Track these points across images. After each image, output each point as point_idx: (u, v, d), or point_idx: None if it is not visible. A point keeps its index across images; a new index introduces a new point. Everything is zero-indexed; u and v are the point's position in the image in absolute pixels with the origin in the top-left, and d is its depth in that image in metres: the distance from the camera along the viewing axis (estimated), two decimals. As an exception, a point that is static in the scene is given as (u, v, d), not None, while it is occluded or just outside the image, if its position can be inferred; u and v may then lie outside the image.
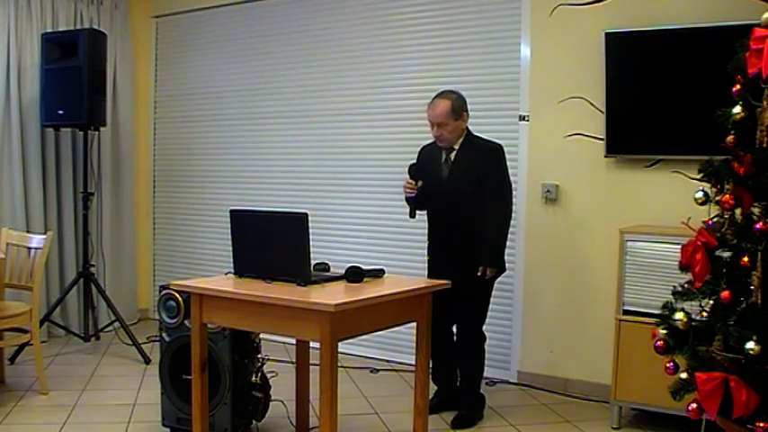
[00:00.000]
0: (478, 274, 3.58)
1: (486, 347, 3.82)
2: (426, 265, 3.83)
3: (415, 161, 3.80)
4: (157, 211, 6.14)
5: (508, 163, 3.75)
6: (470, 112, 3.73)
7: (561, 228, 4.26)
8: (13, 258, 4.26)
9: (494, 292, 4.22)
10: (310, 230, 2.86)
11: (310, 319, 2.62)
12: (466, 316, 3.72)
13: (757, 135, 2.37)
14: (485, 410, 3.83)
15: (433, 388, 3.84)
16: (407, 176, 3.68)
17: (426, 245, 3.86)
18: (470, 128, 3.71)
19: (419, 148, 3.88)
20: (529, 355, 4.40)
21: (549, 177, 4.28)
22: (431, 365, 3.77)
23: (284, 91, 5.34)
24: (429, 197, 3.68)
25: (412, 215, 3.74)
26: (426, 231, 3.86)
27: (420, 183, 3.63)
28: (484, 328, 3.78)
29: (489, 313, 4.26)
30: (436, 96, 3.66)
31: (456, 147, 3.65)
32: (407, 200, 3.73)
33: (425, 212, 3.83)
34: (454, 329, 3.86)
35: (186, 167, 5.91)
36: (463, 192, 3.59)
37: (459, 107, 3.60)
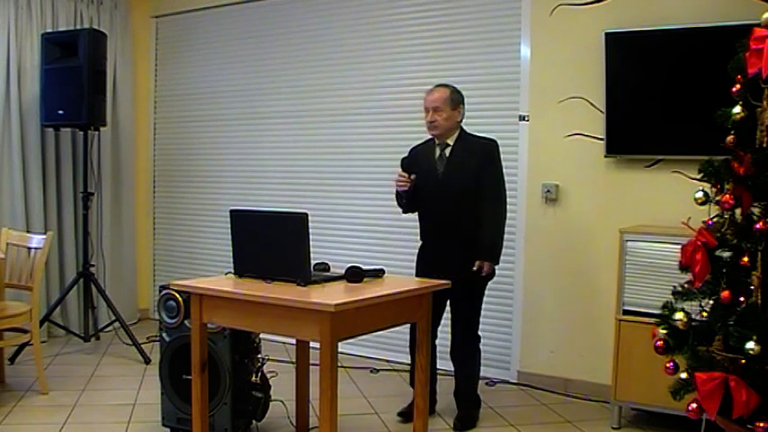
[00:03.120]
0: (474, 269, 3.52)
1: (481, 347, 3.77)
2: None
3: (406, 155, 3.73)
4: (157, 211, 6.14)
5: (507, 163, 3.74)
6: (470, 112, 3.73)
7: (561, 228, 4.26)
8: (13, 258, 4.26)
9: (494, 293, 4.23)
10: (310, 230, 2.85)
11: (310, 319, 2.61)
12: (464, 317, 3.66)
13: (757, 135, 2.38)
14: (481, 411, 3.81)
15: (410, 394, 3.74)
16: (399, 170, 3.61)
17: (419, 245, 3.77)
18: (468, 128, 3.69)
19: (410, 148, 3.80)
20: (529, 355, 4.40)
21: (549, 177, 4.28)
22: (410, 367, 3.70)
23: (284, 91, 5.34)
24: (421, 195, 3.62)
25: (405, 210, 3.69)
26: (419, 232, 3.76)
27: (413, 176, 3.57)
28: (480, 328, 3.73)
29: (489, 313, 4.29)
30: (436, 85, 3.67)
31: (450, 143, 3.60)
32: (399, 195, 3.66)
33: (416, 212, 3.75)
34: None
35: (186, 167, 5.91)
36: (460, 189, 3.54)
37: (457, 98, 3.59)
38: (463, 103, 3.64)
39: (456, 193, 3.55)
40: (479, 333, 3.73)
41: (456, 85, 3.80)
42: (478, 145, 3.62)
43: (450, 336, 3.74)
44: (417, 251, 3.77)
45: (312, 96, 5.20)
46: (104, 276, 5.52)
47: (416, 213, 3.77)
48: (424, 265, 3.69)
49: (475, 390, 3.77)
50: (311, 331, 2.65)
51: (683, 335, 2.47)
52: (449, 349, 3.75)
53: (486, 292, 3.72)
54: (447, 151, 3.61)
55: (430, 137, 3.69)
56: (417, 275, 3.67)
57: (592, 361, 4.14)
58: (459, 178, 3.55)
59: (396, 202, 3.77)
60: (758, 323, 2.27)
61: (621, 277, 3.63)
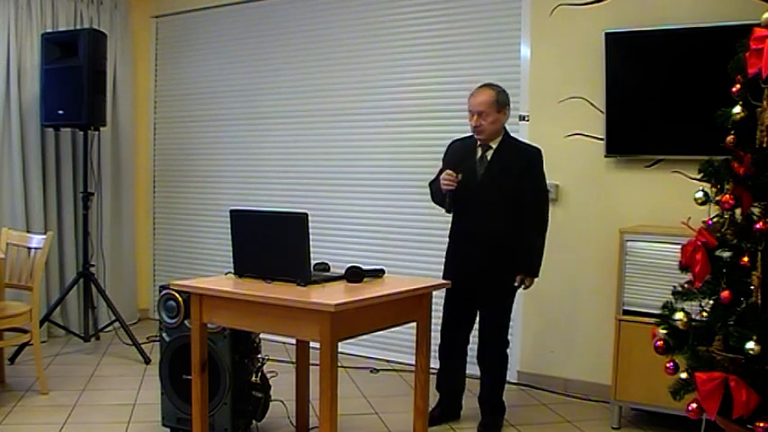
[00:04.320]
0: (515, 284, 3.50)
1: (508, 353, 3.69)
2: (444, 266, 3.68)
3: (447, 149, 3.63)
4: (157, 211, 6.14)
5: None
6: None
7: (561, 228, 4.25)
8: (13, 258, 4.25)
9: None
10: (310, 230, 2.85)
11: (310, 319, 2.62)
12: (495, 322, 3.57)
13: (757, 135, 2.38)
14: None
15: (433, 395, 3.68)
16: (444, 169, 3.49)
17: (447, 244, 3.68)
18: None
19: (449, 142, 3.69)
20: (529, 355, 4.40)
21: (549, 177, 4.21)
22: (438, 371, 3.67)
23: (284, 91, 5.34)
24: (459, 195, 3.47)
25: (449, 209, 3.54)
26: (449, 231, 3.67)
27: (460, 175, 3.41)
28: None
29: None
30: (480, 86, 3.51)
31: (493, 145, 3.48)
32: (443, 194, 3.47)
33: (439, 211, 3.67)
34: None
35: (186, 167, 5.91)
36: (497, 195, 3.44)
37: (503, 100, 3.45)
38: (509, 104, 3.51)
39: (492, 199, 3.44)
40: (508, 338, 3.64)
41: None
42: (521, 152, 3.52)
43: (477, 340, 3.67)
44: (446, 251, 3.67)
45: (312, 96, 5.20)
46: (104, 276, 5.52)
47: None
48: (456, 268, 3.57)
49: (500, 395, 3.67)
50: (311, 331, 2.65)
51: (683, 335, 2.47)
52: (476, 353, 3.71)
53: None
54: (488, 154, 3.49)
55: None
56: (446, 277, 3.56)
57: (592, 361, 4.14)
58: (497, 184, 3.44)
59: (431, 198, 3.66)
60: (758, 323, 2.27)
61: (621, 277, 3.63)
